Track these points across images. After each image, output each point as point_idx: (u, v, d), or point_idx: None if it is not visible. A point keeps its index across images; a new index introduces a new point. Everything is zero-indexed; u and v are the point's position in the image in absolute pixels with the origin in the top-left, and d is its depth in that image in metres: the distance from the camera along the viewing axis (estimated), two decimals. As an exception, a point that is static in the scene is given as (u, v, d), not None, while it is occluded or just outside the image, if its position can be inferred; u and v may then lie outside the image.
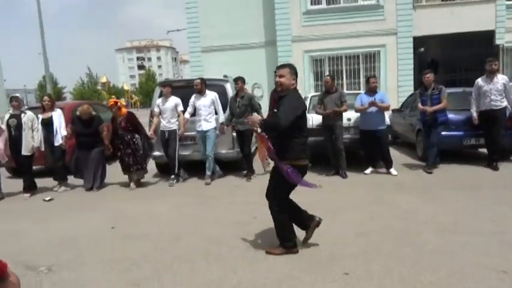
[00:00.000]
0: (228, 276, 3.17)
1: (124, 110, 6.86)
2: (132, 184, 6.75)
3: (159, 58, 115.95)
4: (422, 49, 14.09)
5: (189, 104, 6.81)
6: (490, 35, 13.52)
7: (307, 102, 8.24)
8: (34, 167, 7.04)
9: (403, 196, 5.31)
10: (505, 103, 6.53)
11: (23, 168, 6.70)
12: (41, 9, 17.55)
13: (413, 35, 13.48)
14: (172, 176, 6.86)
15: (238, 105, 6.74)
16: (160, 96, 7.09)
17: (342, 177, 6.61)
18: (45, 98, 7.01)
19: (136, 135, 6.70)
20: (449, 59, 14.22)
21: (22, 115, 6.54)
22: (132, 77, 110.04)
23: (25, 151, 6.49)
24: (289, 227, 3.53)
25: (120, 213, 5.28)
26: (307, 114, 7.46)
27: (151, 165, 7.51)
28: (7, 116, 6.67)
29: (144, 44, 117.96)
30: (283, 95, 3.41)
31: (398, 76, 13.64)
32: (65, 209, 5.67)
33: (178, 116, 6.83)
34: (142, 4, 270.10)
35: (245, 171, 7.04)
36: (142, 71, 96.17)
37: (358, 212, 4.69)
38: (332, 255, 3.46)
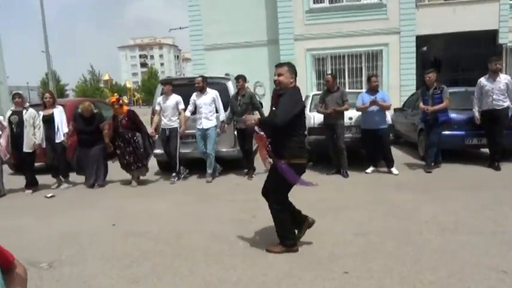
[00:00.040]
0: (228, 273, 3.17)
1: (125, 108, 6.87)
2: (133, 182, 6.76)
3: (161, 56, 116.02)
4: (425, 48, 14.04)
5: (190, 102, 6.82)
6: (493, 34, 13.47)
7: (309, 101, 8.25)
8: (35, 164, 7.06)
9: (404, 195, 5.30)
10: (507, 103, 6.51)
11: (25, 165, 6.72)
12: (43, 6, 17.58)
13: (416, 34, 13.43)
14: (174, 174, 6.88)
15: (239, 103, 6.74)
16: (161, 94, 7.10)
17: (343, 176, 6.61)
18: (47, 94, 7.02)
19: (137, 133, 6.71)
20: (452, 58, 14.16)
21: (24, 112, 6.56)
22: (134, 74, 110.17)
23: (26, 148, 6.52)
24: (289, 225, 3.54)
25: (121, 210, 5.30)
26: (308, 113, 7.58)
27: (152, 163, 7.53)
28: (9, 113, 6.69)
29: (146, 42, 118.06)
30: (282, 93, 3.42)
31: (401, 75, 13.60)
32: (67, 206, 5.69)
33: (179, 114, 6.83)
34: (145, 2, 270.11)
35: (246, 170, 7.05)
36: (144, 69, 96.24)
37: (358, 211, 4.69)
38: (332, 254, 3.46)
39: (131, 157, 6.63)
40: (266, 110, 6.57)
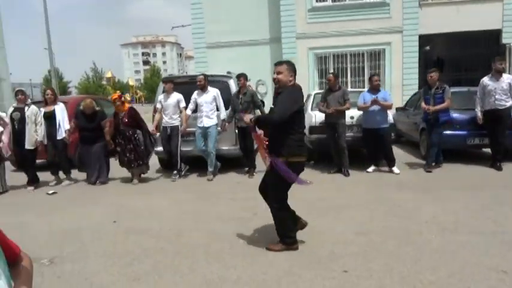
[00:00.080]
0: (228, 271, 3.18)
1: (126, 105, 6.89)
2: (134, 179, 6.78)
3: (164, 54, 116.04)
4: (428, 47, 14.01)
5: (191, 100, 6.82)
6: (496, 34, 13.41)
7: (311, 100, 8.25)
8: (36, 161, 7.08)
9: (404, 195, 5.30)
10: (510, 103, 6.48)
11: (26, 162, 6.75)
12: (46, 3, 17.60)
13: (419, 33, 13.39)
14: (175, 172, 6.89)
15: (240, 101, 6.73)
16: (163, 92, 7.10)
17: (344, 175, 6.61)
18: (48, 91, 7.04)
19: (138, 131, 6.72)
20: (455, 58, 14.14)
21: (26, 109, 6.58)
22: (137, 72, 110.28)
23: (28, 145, 6.54)
24: (289, 224, 3.55)
25: (122, 207, 5.31)
26: (310, 112, 7.57)
27: (154, 161, 7.54)
28: (11, 110, 6.70)
29: (149, 40, 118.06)
30: (281, 91, 3.42)
31: (403, 74, 13.57)
32: (68, 203, 5.71)
33: (181, 112, 6.84)
34: (145, 1, 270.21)
35: (247, 168, 7.06)
36: (147, 67, 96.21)
37: (359, 210, 4.69)
38: (332, 253, 3.46)
39: (132, 154, 6.64)
40: (268, 109, 6.58)
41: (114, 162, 7.16)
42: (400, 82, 13.54)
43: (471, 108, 6.91)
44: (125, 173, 7.07)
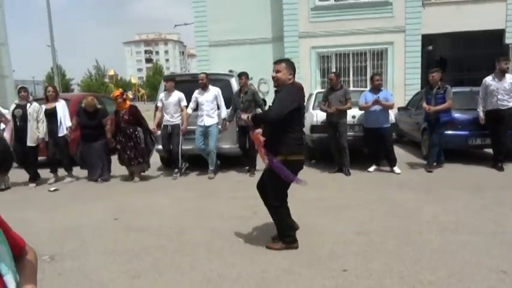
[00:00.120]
0: (228, 269, 3.19)
1: (127, 103, 6.90)
2: (135, 177, 6.79)
3: (166, 52, 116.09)
4: (430, 47, 13.97)
5: (192, 99, 6.82)
6: (499, 34, 13.37)
7: (313, 99, 8.25)
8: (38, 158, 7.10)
9: (405, 195, 5.29)
10: (512, 103, 6.47)
11: (28, 159, 6.76)
12: (49, 0, 17.63)
13: (422, 33, 13.36)
14: (176, 170, 6.90)
15: (241, 100, 6.73)
16: (164, 90, 7.10)
17: (345, 174, 6.61)
18: (49, 88, 7.05)
19: (139, 128, 6.73)
20: (458, 58, 14.09)
21: (28, 106, 6.59)
22: (139, 70, 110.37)
23: (30, 142, 6.55)
24: (289, 222, 3.55)
25: (123, 205, 5.33)
26: (312, 111, 7.56)
27: (155, 158, 7.55)
28: (13, 107, 6.72)
29: (152, 38, 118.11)
30: (280, 89, 3.43)
31: (406, 74, 13.54)
32: (70, 200, 5.73)
33: (182, 110, 6.84)
34: (146, 1, 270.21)
35: (247, 167, 7.05)
36: (149, 65, 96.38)
37: (359, 210, 4.69)
38: (332, 252, 3.46)
39: (132, 152, 6.65)
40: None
41: (114, 160, 7.17)
42: (403, 82, 13.51)
43: (473, 108, 6.89)
44: (125, 170, 7.08)
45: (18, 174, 7.32)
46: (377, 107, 6.56)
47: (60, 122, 6.79)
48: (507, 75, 6.55)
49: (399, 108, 9.67)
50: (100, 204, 5.39)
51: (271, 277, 3.04)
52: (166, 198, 5.61)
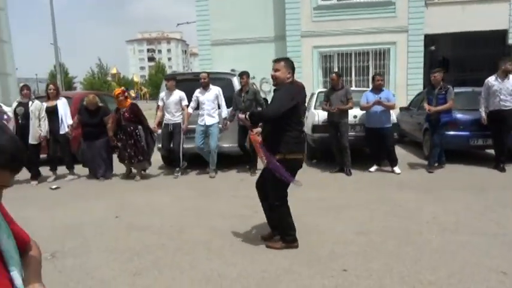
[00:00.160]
0: (228, 268, 3.20)
1: (128, 101, 6.91)
2: (137, 176, 6.81)
3: (169, 50, 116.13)
4: (433, 47, 13.93)
5: (193, 98, 6.83)
6: (502, 34, 13.33)
7: (314, 98, 8.24)
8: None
9: (406, 195, 5.29)
10: (514, 103, 6.44)
11: (30, 156, 6.77)
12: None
13: (425, 33, 13.33)
14: (177, 169, 6.91)
15: (243, 100, 6.73)
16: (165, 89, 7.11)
17: (347, 174, 6.60)
18: (51, 86, 7.06)
19: (139, 127, 6.74)
20: (461, 58, 14.04)
21: (30, 104, 6.61)
22: (142, 68, 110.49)
23: (32, 140, 6.57)
24: (289, 221, 3.55)
25: (124, 203, 5.35)
26: (313, 111, 7.56)
27: (157, 157, 7.57)
28: (15, 104, 6.74)
29: (154, 36, 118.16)
30: (278, 88, 3.44)
31: (408, 74, 13.52)
32: (71, 198, 5.75)
33: (183, 110, 6.84)
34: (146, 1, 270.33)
35: (248, 166, 7.04)
36: (152, 63, 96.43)
37: (360, 210, 4.69)
38: (332, 252, 3.47)
39: (132, 150, 6.66)
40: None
41: (115, 158, 7.19)
42: (405, 82, 13.49)
43: (475, 109, 6.87)
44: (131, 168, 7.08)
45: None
46: (378, 107, 6.55)
47: (61, 120, 6.80)
48: (510, 76, 6.52)
49: (401, 109, 9.65)
50: (101, 202, 5.41)
51: (271, 276, 3.04)
52: (168, 196, 5.62)
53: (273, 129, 3.40)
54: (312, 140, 7.39)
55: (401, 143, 9.16)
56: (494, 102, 6.51)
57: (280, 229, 3.58)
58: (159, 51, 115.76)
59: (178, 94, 6.83)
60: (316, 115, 7.27)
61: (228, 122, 6.79)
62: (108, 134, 6.79)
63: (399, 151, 7.50)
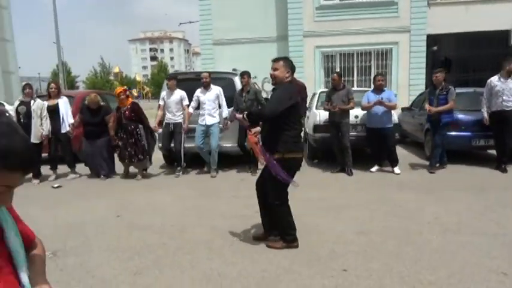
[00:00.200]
0: (228, 268, 3.21)
1: (130, 100, 6.92)
2: (138, 175, 6.82)
3: (171, 50, 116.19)
4: (435, 47, 13.91)
5: (193, 98, 6.84)
6: (505, 35, 13.29)
7: (316, 98, 8.25)
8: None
9: (407, 195, 5.29)
10: (517, 104, 6.43)
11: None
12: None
13: (427, 33, 13.31)
14: (179, 168, 6.93)
15: (244, 99, 6.74)
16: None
17: (348, 174, 6.61)
18: (52, 85, 7.08)
19: (140, 126, 6.75)
20: (463, 58, 14.02)
21: (32, 103, 6.63)
22: (144, 68, 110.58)
23: (34, 139, 6.58)
24: (289, 221, 3.56)
25: (126, 202, 5.36)
26: (314, 110, 7.56)
27: (158, 156, 7.58)
28: (17, 103, 6.76)
29: (157, 35, 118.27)
30: (277, 87, 3.46)
31: (410, 74, 13.51)
32: (73, 196, 5.77)
33: (183, 109, 6.85)
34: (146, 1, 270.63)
35: (249, 166, 7.04)
36: (154, 62, 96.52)
37: (360, 210, 4.69)
38: (332, 252, 3.47)
39: (133, 149, 6.67)
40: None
41: (116, 158, 7.20)
42: (407, 82, 13.47)
43: (477, 109, 6.86)
44: (130, 168, 7.10)
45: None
46: (380, 108, 6.55)
47: (63, 118, 6.82)
48: None
49: (403, 109, 9.64)
50: (103, 201, 5.43)
51: (271, 276, 3.05)
52: (169, 196, 5.63)
53: (272, 128, 3.41)
54: (313, 140, 7.39)
55: (403, 143, 9.15)
56: (497, 102, 6.49)
57: (280, 228, 3.59)
58: (162, 50, 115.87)
59: (179, 93, 6.84)
60: (318, 115, 7.27)
61: (229, 122, 6.78)
62: (110, 133, 6.81)
63: (401, 151, 7.49)
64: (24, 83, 7.21)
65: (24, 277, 1.09)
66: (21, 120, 6.59)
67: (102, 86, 55.29)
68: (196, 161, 7.40)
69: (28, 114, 6.57)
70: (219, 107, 6.88)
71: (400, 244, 3.60)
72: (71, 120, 6.90)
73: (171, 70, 63.44)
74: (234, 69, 7.80)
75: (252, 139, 3.44)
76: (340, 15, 13.59)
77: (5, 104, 6.69)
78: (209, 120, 6.75)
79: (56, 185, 6.44)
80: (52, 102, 6.89)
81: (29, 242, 1.22)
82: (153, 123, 7.10)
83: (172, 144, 6.94)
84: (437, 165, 6.78)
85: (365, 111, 6.88)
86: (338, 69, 13.03)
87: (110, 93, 11.91)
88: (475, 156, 7.70)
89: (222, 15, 14.36)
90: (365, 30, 13.42)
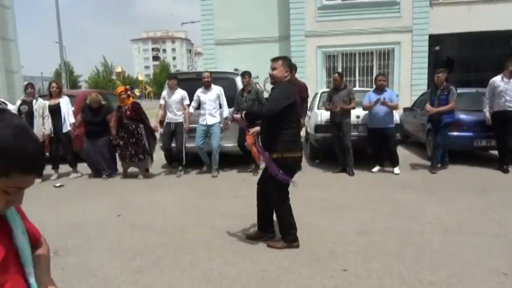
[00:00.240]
0: (228, 268, 3.22)
1: (131, 99, 6.94)
2: (139, 174, 6.84)
3: (174, 50, 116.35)
4: (437, 47, 13.88)
5: (194, 98, 6.84)
6: (508, 35, 13.25)
7: (317, 98, 8.24)
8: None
9: (408, 196, 5.28)
10: (519, 104, 6.40)
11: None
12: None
13: (429, 33, 13.29)
14: (180, 168, 6.94)
15: (245, 99, 6.74)
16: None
17: (349, 174, 6.60)
18: (53, 84, 7.09)
19: (141, 125, 6.76)
20: (465, 58, 13.99)
21: (34, 102, 6.65)
22: (146, 67, 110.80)
23: (36, 138, 6.61)
24: (290, 221, 3.56)
25: (127, 202, 5.37)
26: (316, 110, 7.56)
27: (160, 155, 7.59)
28: (18, 103, 6.78)
29: (159, 35, 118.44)
30: (275, 87, 3.47)
31: (412, 74, 13.49)
32: (75, 196, 5.79)
33: (184, 109, 6.86)
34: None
35: (253, 165, 7.04)
36: (157, 62, 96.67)
37: (361, 210, 4.69)
38: (333, 252, 3.48)
39: (134, 149, 6.68)
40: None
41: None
42: (409, 82, 13.45)
43: (479, 110, 6.84)
44: (130, 168, 7.12)
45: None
46: (381, 108, 6.54)
47: (64, 118, 6.84)
48: None
49: (405, 109, 9.62)
50: (105, 201, 5.44)
51: (271, 276, 3.06)
52: (170, 196, 5.64)
53: (270, 127, 3.42)
54: (314, 140, 7.39)
55: (405, 143, 9.14)
56: (500, 103, 6.47)
57: (281, 228, 3.60)
58: (164, 50, 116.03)
59: (180, 93, 6.85)
60: (319, 115, 7.27)
61: (230, 122, 6.78)
62: (111, 132, 6.83)
63: (403, 152, 7.48)
64: (26, 83, 7.23)
65: (31, 276, 1.09)
66: (23, 120, 6.59)
67: (105, 85, 55.35)
68: (197, 161, 7.41)
69: (30, 114, 6.59)
70: (220, 106, 6.88)
71: (401, 244, 3.60)
72: (72, 120, 6.91)
73: (173, 70, 63.47)
74: (235, 69, 7.80)
75: (249, 139, 3.46)
76: (342, 15, 13.58)
77: (7, 103, 6.70)
78: (210, 120, 6.76)
79: (58, 184, 6.47)
80: (53, 101, 6.90)
81: (35, 241, 1.22)
82: (154, 122, 7.11)
83: (173, 144, 6.95)
84: (439, 165, 6.76)
85: (366, 111, 6.87)
86: (340, 69, 13.02)
87: (112, 92, 11.93)
88: (476, 157, 7.69)
89: (224, 15, 14.38)
90: (367, 30, 13.41)
